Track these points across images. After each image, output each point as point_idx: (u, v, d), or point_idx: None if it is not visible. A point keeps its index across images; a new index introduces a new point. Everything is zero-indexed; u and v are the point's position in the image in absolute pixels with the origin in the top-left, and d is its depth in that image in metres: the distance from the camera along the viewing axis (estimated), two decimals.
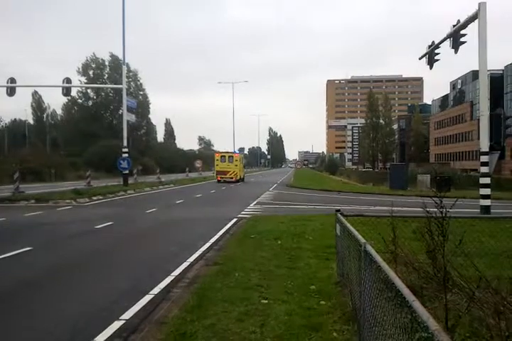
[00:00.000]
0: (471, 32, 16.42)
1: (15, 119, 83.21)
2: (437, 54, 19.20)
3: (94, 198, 23.76)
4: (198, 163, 62.00)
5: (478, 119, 17.30)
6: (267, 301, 6.09)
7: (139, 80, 79.97)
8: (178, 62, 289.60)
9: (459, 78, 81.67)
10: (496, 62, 71.08)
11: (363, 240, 4.36)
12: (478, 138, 16.08)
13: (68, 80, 32.02)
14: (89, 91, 75.84)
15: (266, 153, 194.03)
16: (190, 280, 7.48)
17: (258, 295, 6.37)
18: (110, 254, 10.30)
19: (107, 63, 76.27)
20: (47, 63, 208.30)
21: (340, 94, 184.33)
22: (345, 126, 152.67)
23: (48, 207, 19.93)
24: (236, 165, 45.55)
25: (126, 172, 32.02)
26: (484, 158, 15.60)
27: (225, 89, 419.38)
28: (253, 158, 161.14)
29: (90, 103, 77.51)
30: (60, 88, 31.96)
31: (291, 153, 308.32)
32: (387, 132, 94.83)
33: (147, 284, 7.21)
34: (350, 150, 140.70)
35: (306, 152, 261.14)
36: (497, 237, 8.09)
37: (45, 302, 6.50)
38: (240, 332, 5.04)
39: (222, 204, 22.10)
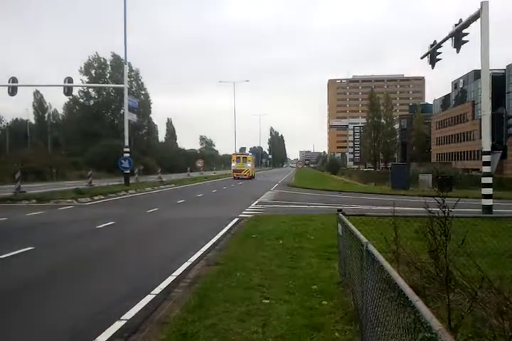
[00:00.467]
0: (473, 31, 16.41)
1: (16, 119, 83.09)
2: (439, 53, 19.16)
3: (96, 198, 23.77)
4: (200, 163, 62.07)
5: (480, 119, 17.26)
6: (268, 301, 6.07)
7: (140, 80, 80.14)
8: (180, 62, 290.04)
9: (460, 78, 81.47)
10: (498, 62, 71.05)
11: (365, 240, 4.34)
12: (480, 138, 16.05)
13: (70, 80, 32.04)
14: (90, 90, 75.87)
15: (267, 152, 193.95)
16: (192, 280, 7.46)
17: (260, 295, 6.36)
18: (111, 254, 10.30)
19: (108, 63, 76.33)
20: (48, 62, 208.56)
21: (342, 93, 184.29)
22: (347, 126, 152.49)
23: (49, 206, 19.95)
24: (249, 165, 55.50)
25: (128, 171, 32.07)
26: (486, 158, 15.57)
27: (227, 88, 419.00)
28: (254, 158, 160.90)
29: (92, 102, 77.49)
30: (62, 88, 32.00)
31: (293, 153, 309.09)
32: (388, 132, 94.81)
33: (148, 284, 7.19)
34: (351, 150, 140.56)
35: (308, 152, 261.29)
36: (499, 237, 8.08)
37: (46, 302, 6.50)
38: (241, 332, 5.02)
39: (224, 204, 22.08)
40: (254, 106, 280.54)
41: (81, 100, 76.84)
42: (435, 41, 18.93)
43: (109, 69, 76.05)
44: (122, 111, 48.32)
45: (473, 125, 66.17)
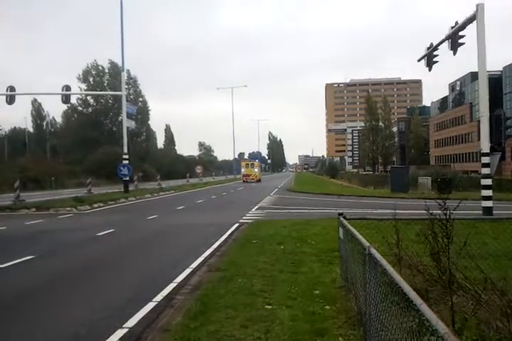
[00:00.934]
0: (470, 33, 16.45)
1: (15, 127, 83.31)
2: (436, 56, 19.19)
3: (95, 205, 23.72)
4: (199, 169, 61.99)
5: (479, 121, 17.29)
6: (270, 307, 6.04)
7: (138, 87, 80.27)
8: (177, 68, 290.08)
9: (457, 80, 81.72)
10: (494, 64, 71.19)
11: (366, 243, 4.32)
12: (479, 140, 16.06)
13: (68, 88, 32.05)
14: (88, 98, 76.03)
15: (266, 157, 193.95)
16: (193, 286, 7.43)
17: (262, 300, 6.33)
18: (112, 262, 10.26)
19: (106, 70, 76.50)
20: (46, 71, 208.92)
21: (339, 97, 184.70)
22: (345, 130, 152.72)
23: (48, 215, 19.90)
24: (256, 170, 65.98)
25: (127, 179, 32.01)
26: (485, 160, 15.57)
27: (225, 94, 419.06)
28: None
29: (90, 110, 77.59)
30: (60, 96, 32.02)
31: (292, 158, 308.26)
32: (386, 135, 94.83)
33: (150, 291, 7.16)
34: (350, 154, 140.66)
35: (307, 156, 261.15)
36: (500, 238, 8.06)
37: (47, 311, 6.45)
38: (244, 338, 4.99)
39: (224, 210, 22.06)
40: (253, 111, 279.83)
41: (79, 108, 76.96)
42: (432, 44, 18.96)
43: (107, 76, 76.24)
44: (120, 118, 48.46)
45: (471, 127, 66.35)
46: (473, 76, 63.89)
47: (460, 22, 16.58)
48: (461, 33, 16.90)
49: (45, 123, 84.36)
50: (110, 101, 75.36)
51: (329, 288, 6.80)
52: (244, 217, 17.73)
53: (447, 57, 18.75)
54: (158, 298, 6.83)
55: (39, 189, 40.88)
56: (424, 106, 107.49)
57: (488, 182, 15.68)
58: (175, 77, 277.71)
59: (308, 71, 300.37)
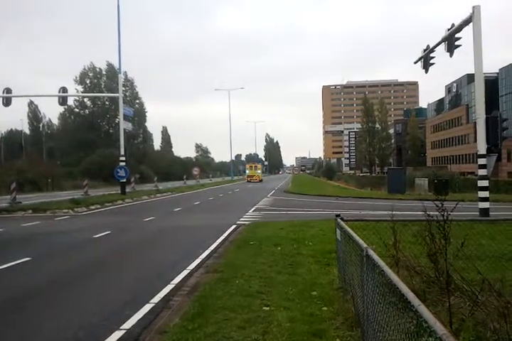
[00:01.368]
0: (466, 35, 16.50)
1: (11, 129, 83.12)
2: (432, 58, 19.24)
3: (92, 207, 23.67)
4: (196, 171, 61.96)
5: (475, 122, 17.32)
6: (268, 308, 6.03)
7: (135, 89, 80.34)
8: (175, 70, 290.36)
9: (454, 82, 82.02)
10: (490, 66, 71.54)
11: (364, 245, 4.32)
12: (475, 141, 16.09)
13: (64, 90, 32.00)
14: (85, 100, 75.96)
15: (263, 159, 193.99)
16: (191, 288, 7.42)
17: (259, 302, 6.32)
18: (109, 264, 10.24)
19: (103, 72, 76.41)
20: (43, 73, 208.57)
21: (336, 99, 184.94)
22: (342, 131, 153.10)
23: (45, 217, 19.84)
24: (259, 172, 76.00)
25: (124, 180, 31.95)
26: (482, 161, 15.60)
27: (222, 96, 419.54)
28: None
29: (87, 112, 77.51)
30: (57, 98, 31.96)
31: (289, 159, 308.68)
32: (383, 137, 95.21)
33: (147, 293, 7.14)
34: (347, 155, 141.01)
35: (304, 158, 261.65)
36: (497, 239, 8.08)
37: (44, 313, 6.43)
38: (241, 340, 4.98)
39: (221, 212, 22.03)
40: (250, 112, 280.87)
41: (76, 110, 76.90)
42: (428, 46, 19.02)
43: (104, 78, 76.18)
44: (117, 120, 48.34)
45: (467, 128, 66.53)
46: (470, 78, 64.09)
47: (456, 24, 16.64)
48: (457, 35, 16.96)
49: (41, 125, 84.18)
50: (107, 103, 75.23)
51: (327, 290, 6.80)
52: (241, 219, 17.72)
53: (444, 59, 18.86)
54: (156, 299, 6.82)
55: (36, 191, 40.82)
56: (421, 108, 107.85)
57: (485, 183, 15.72)
58: (172, 79, 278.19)
59: (306, 73, 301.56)
